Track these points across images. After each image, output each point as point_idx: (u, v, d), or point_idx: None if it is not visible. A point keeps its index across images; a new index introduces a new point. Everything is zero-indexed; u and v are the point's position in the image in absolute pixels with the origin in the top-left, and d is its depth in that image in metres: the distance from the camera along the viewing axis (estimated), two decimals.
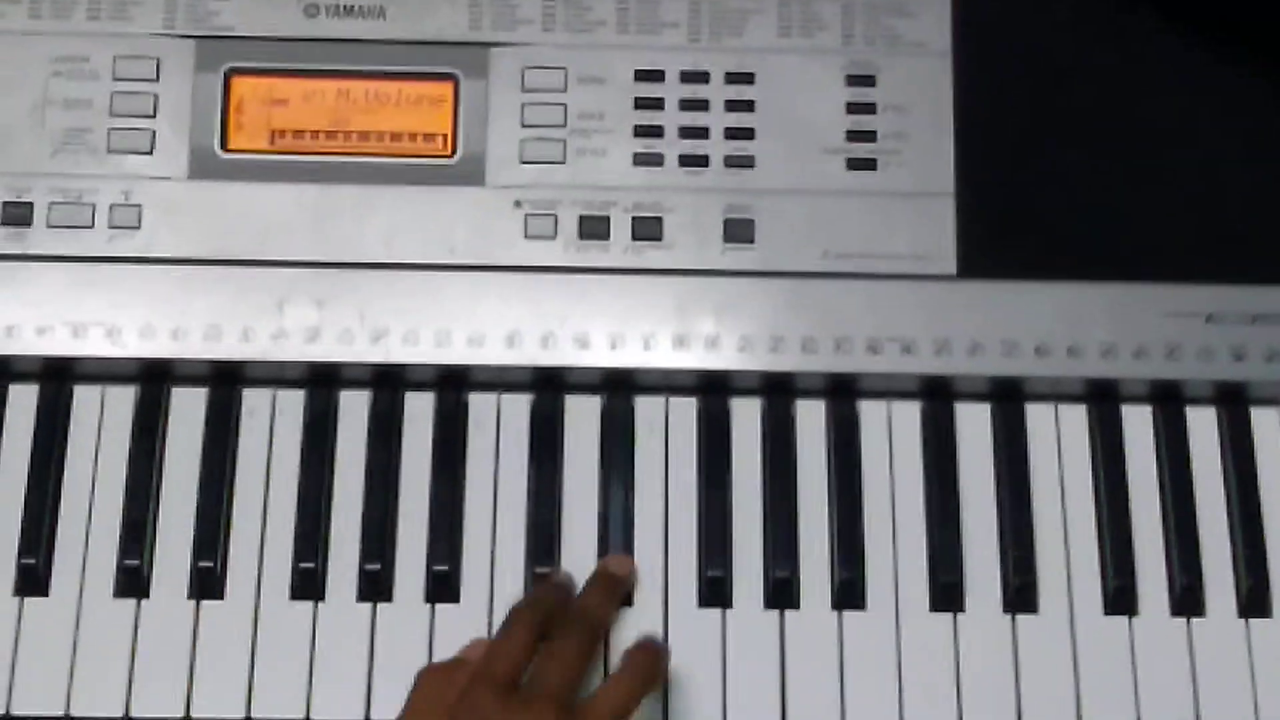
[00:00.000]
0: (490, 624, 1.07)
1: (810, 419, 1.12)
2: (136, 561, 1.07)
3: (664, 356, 1.11)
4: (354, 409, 1.11)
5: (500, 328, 1.11)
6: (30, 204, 1.11)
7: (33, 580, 1.07)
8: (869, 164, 1.14)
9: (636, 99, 1.14)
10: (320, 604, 1.07)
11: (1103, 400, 1.12)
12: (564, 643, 1.01)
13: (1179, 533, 1.09)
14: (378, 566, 1.07)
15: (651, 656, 1.03)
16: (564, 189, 1.13)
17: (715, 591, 1.08)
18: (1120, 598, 1.08)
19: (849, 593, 1.08)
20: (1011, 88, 1.15)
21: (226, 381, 1.11)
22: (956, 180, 1.13)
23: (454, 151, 1.14)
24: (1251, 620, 1.08)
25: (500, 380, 1.12)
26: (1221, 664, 1.07)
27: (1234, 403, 1.12)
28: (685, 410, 1.12)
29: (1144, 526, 1.10)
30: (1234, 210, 1.14)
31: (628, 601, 1.07)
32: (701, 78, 1.15)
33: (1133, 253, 1.13)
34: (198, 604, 1.07)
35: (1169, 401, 1.12)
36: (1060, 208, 1.13)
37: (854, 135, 1.14)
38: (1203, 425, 1.12)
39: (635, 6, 1.15)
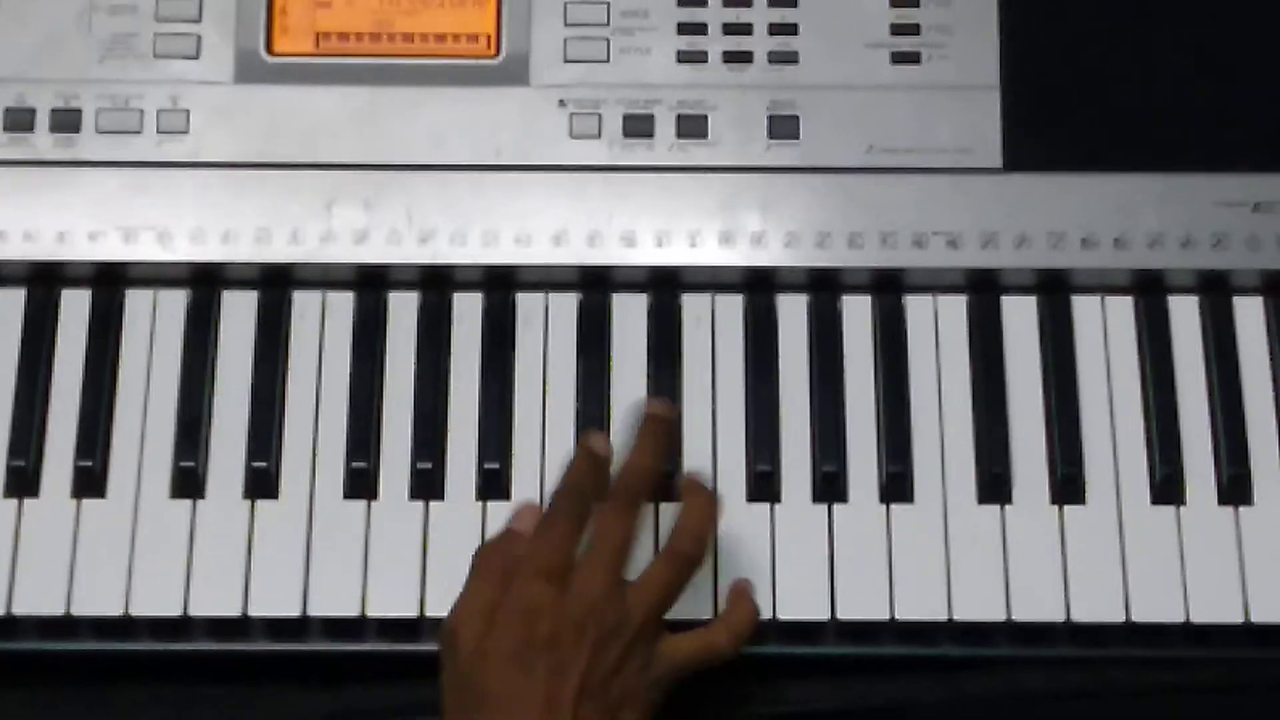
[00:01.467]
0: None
1: (856, 314, 1.12)
2: (192, 463, 1.08)
3: (710, 254, 1.11)
4: (403, 309, 1.12)
5: (547, 227, 1.11)
6: (79, 110, 1.12)
7: (90, 482, 1.08)
8: (913, 58, 1.13)
9: None
10: (374, 503, 1.08)
11: (1149, 291, 1.12)
12: (607, 521, 1.01)
13: (1226, 422, 1.10)
14: (429, 465, 1.08)
15: (694, 535, 1.03)
16: (608, 88, 1.13)
17: (764, 486, 1.08)
18: (1167, 488, 1.08)
19: (897, 486, 1.08)
20: None
21: (276, 284, 1.12)
22: (1001, 73, 1.13)
23: (498, 52, 1.14)
24: None
25: (547, 279, 1.12)
26: (1270, 553, 1.07)
27: None
28: (732, 307, 1.12)
29: (1190, 417, 1.10)
30: None
31: (675, 497, 1.08)
32: None
33: (1179, 142, 1.12)
34: (253, 503, 1.08)
35: (1216, 291, 1.12)
36: (1105, 99, 1.13)
37: (898, 29, 1.14)
38: (1250, 315, 1.12)
39: None
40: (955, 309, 1.12)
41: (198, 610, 1.06)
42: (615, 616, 0.98)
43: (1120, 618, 1.06)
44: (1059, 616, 1.06)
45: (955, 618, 1.06)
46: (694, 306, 1.12)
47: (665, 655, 1.00)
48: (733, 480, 1.09)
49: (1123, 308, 1.12)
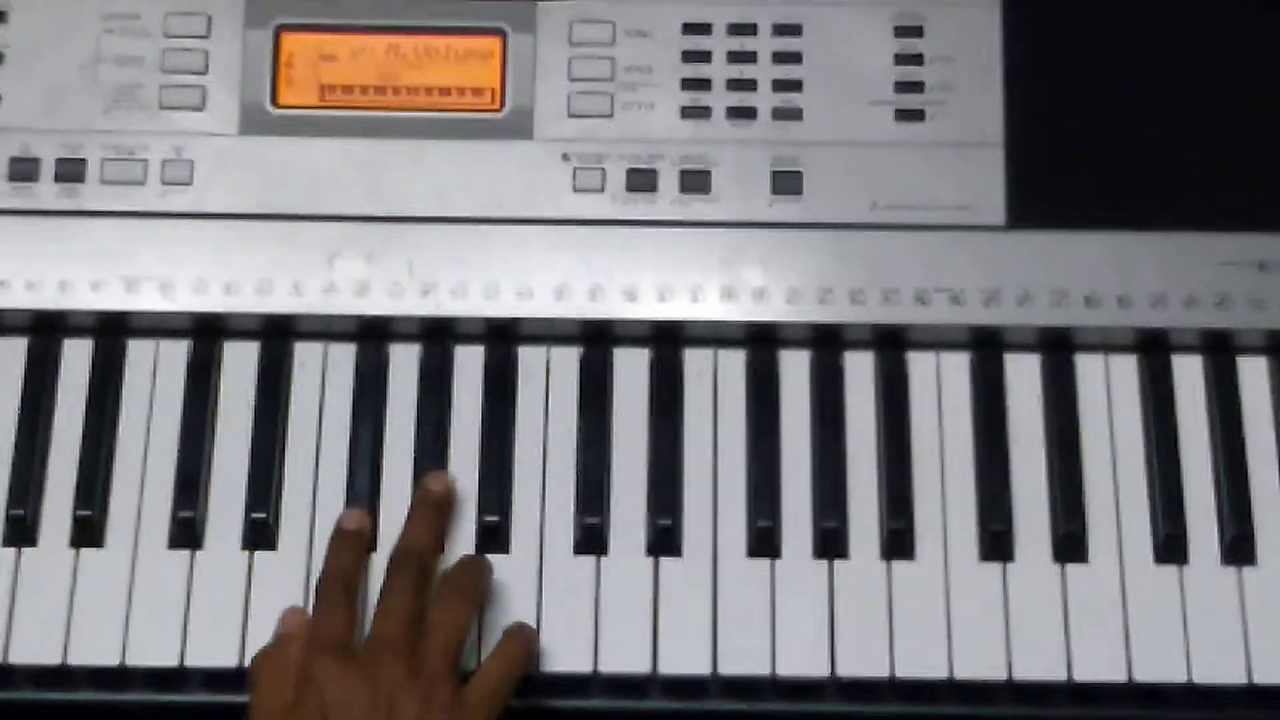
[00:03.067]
0: (540, 574, 1.07)
1: (859, 370, 1.12)
2: (190, 513, 1.08)
3: (712, 308, 1.11)
4: (404, 362, 1.12)
5: (549, 280, 1.11)
6: (84, 160, 1.13)
7: (88, 532, 1.08)
8: (917, 115, 1.14)
9: (684, 52, 1.14)
10: (374, 555, 1.08)
11: (1153, 350, 1.12)
12: (396, 587, 1.02)
13: (1229, 482, 1.09)
14: None
15: (472, 572, 1.04)
16: (612, 142, 1.13)
17: (764, 542, 1.08)
18: (1170, 547, 1.08)
19: (898, 542, 1.08)
20: (1060, 37, 1.15)
21: (278, 335, 1.12)
22: (1005, 130, 1.13)
23: (502, 106, 1.14)
24: None
25: (549, 333, 1.12)
26: (1273, 613, 1.07)
27: None
28: (733, 362, 1.12)
29: (1194, 476, 1.10)
30: None
31: (676, 552, 1.08)
32: (749, 30, 1.15)
33: (1183, 201, 1.12)
34: (251, 554, 1.08)
35: (1220, 351, 1.12)
36: (1109, 157, 1.13)
37: (902, 86, 1.14)
38: (1254, 375, 1.12)
39: None
40: (958, 366, 1.12)
41: (194, 661, 1.06)
42: (404, 672, 0.98)
43: (1122, 677, 1.06)
44: (1061, 676, 1.06)
45: (956, 676, 1.06)
46: (695, 361, 1.12)
47: (471, 693, 1.00)
48: (733, 535, 1.08)
49: (1126, 366, 1.12)
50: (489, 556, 1.07)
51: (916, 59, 1.14)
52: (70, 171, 1.12)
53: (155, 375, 1.12)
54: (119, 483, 1.09)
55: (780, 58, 1.14)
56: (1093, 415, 1.11)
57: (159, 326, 1.12)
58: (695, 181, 1.13)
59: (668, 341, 1.12)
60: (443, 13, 1.15)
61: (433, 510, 1.07)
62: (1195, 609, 1.07)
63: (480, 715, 1.00)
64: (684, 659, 1.05)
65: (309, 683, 0.99)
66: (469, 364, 1.12)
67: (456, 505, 1.08)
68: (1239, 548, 1.08)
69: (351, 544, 1.06)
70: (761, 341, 1.12)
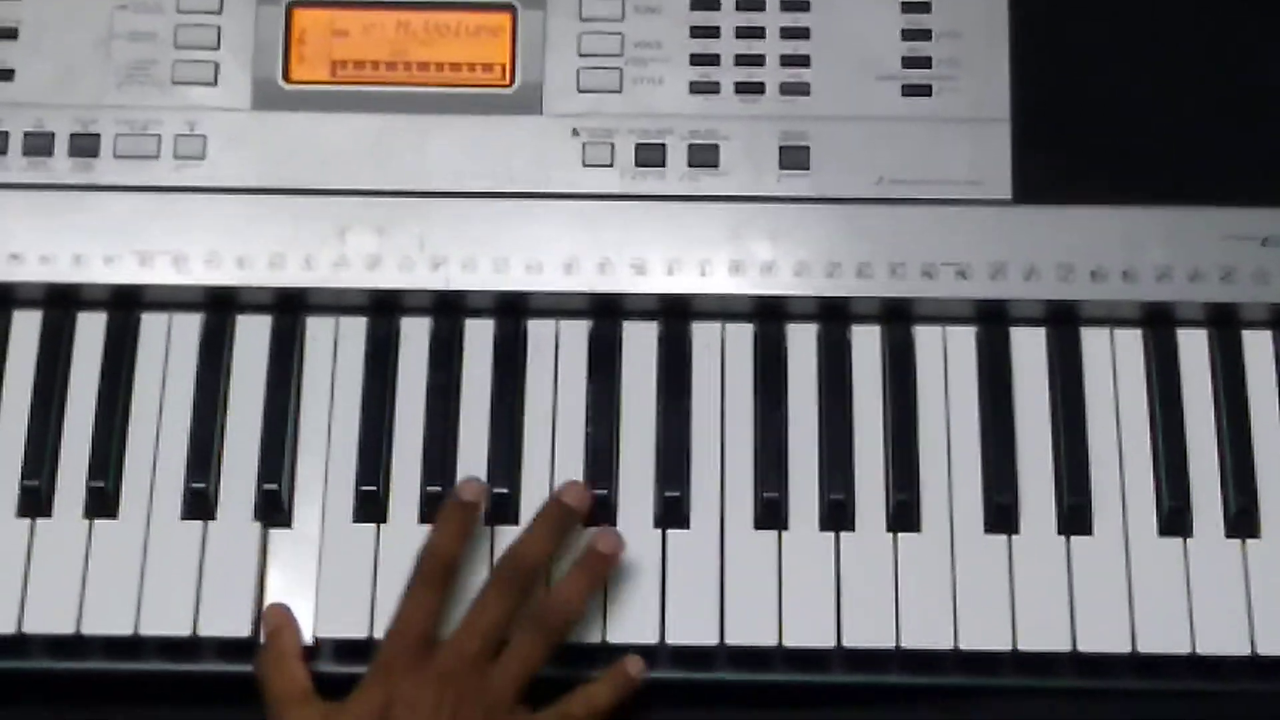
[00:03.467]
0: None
1: (865, 344, 1.13)
2: (203, 484, 1.09)
3: (720, 282, 1.12)
4: (415, 335, 1.13)
5: (558, 254, 1.12)
6: (97, 135, 1.13)
7: (102, 503, 1.09)
8: (924, 90, 1.14)
9: (693, 27, 1.15)
10: (384, 526, 1.09)
11: (1158, 324, 1.13)
12: (488, 599, 1.03)
13: (1233, 456, 1.10)
14: (439, 489, 1.09)
15: (563, 614, 1.04)
16: (621, 117, 1.14)
17: (771, 514, 1.09)
18: (1174, 519, 1.09)
19: (904, 515, 1.09)
20: (1067, 12, 1.15)
21: (290, 309, 1.13)
22: (1012, 105, 1.14)
23: (512, 81, 1.15)
24: None
25: (558, 306, 1.13)
26: (1277, 585, 1.07)
27: None
28: (741, 336, 1.13)
29: (1198, 449, 1.10)
30: None
31: (684, 524, 1.09)
32: (757, 5, 1.15)
33: (1188, 176, 1.13)
34: (264, 526, 1.09)
35: (1224, 325, 1.13)
36: (1115, 132, 1.13)
37: (909, 61, 1.15)
38: (1258, 348, 1.12)
39: None
40: (964, 340, 1.13)
41: (207, 631, 1.07)
42: (470, 691, 1.00)
43: (1126, 649, 1.06)
44: (1065, 647, 1.06)
45: (961, 647, 1.06)
46: (704, 335, 1.13)
47: None
48: (740, 507, 1.09)
49: (1131, 340, 1.13)
50: (500, 527, 1.08)
51: (924, 34, 1.15)
52: (84, 146, 1.13)
53: (168, 348, 1.13)
54: (132, 454, 1.10)
55: (788, 33, 1.15)
56: (1098, 389, 1.12)
57: (172, 300, 1.13)
58: (704, 156, 1.13)
59: (676, 315, 1.13)
60: None
61: (557, 522, 1.06)
62: (1199, 581, 1.07)
63: None
64: (691, 629, 1.06)
65: (385, 670, 1.00)
66: (479, 337, 1.13)
67: (588, 513, 1.08)
68: (1243, 520, 1.09)
69: (463, 519, 1.05)
70: (769, 315, 1.13)
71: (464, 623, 1.03)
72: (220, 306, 1.13)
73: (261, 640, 1.05)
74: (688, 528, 1.09)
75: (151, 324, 1.13)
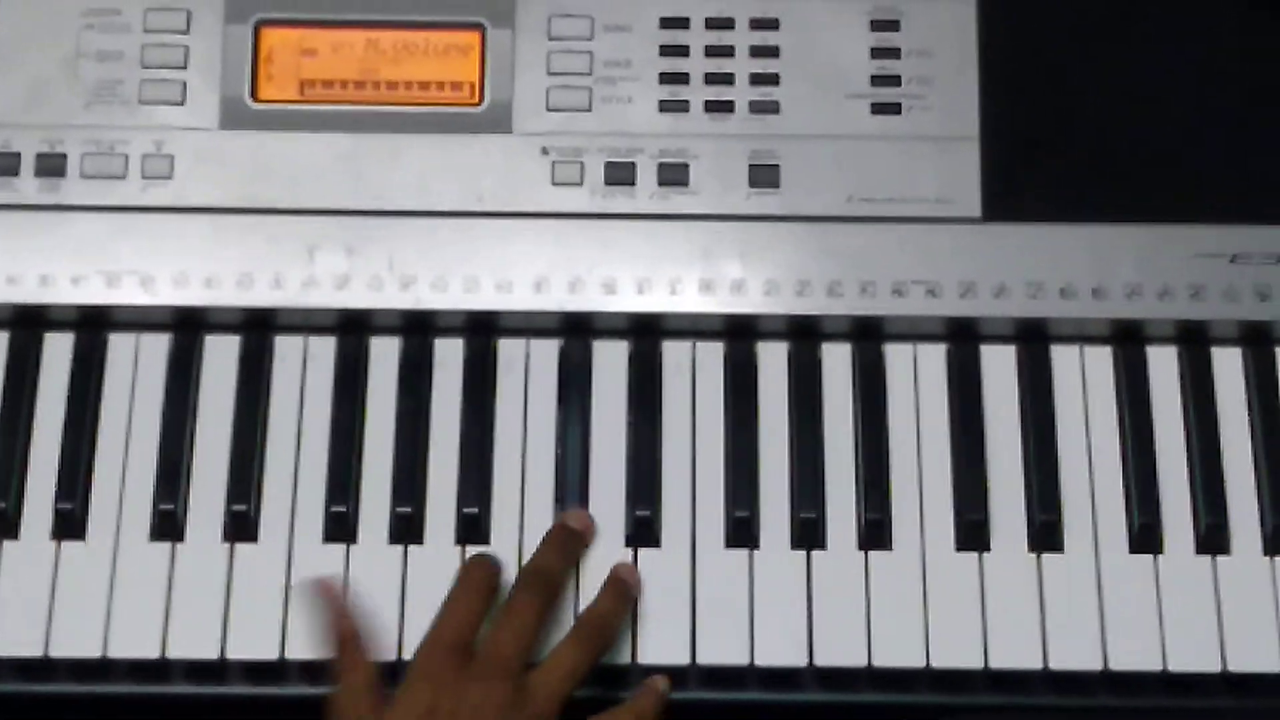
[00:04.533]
0: (519, 565, 1.07)
1: (836, 362, 1.13)
2: (171, 505, 1.08)
3: (690, 301, 1.12)
4: (384, 355, 1.13)
5: (528, 273, 1.12)
6: (64, 155, 1.13)
7: (69, 525, 1.08)
8: (894, 108, 1.14)
9: (662, 46, 1.15)
10: (353, 546, 1.08)
11: (1128, 341, 1.13)
12: (516, 604, 1.03)
13: (1203, 472, 1.10)
14: (409, 509, 1.09)
15: (604, 622, 1.04)
16: (590, 136, 1.14)
17: (742, 532, 1.09)
18: (1145, 536, 1.09)
19: (875, 533, 1.09)
20: (1036, 31, 1.15)
21: (259, 328, 1.13)
22: (981, 123, 1.14)
23: (481, 100, 1.15)
24: (1277, 558, 1.09)
25: (528, 325, 1.13)
26: (1246, 602, 1.08)
27: (1259, 343, 1.13)
28: (712, 354, 1.13)
29: (1168, 466, 1.11)
30: (1259, 151, 1.14)
31: (655, 543, 1.08)
32: (727, 24, 1.15)
33: (1158, 194, 1.13)
34: (232, 547, 1.08)
35: (1194, 342, 1.13)
36: (1084, 150, 1.14)
37: (879, 80, 1.15)
38: (1228, 365, 1.13)
39: None
40: (934, 357, 1.13)
41: (176, 653, 1.06)
42: (512, 694, 0.99)
43: (1098, 666, 1.06)
44: (1036, 664, 1.06)
45: (933, 665, 1.06)
46: (674, 353, 1.13)
47: None
48: (711, 526, 1.09)
49: (1101, 357, 1.13)
50: (468, 548, 1.08)
51: (893, 53, 1.15)
52: (51, 166, 1.13)
53: (136, 369, 1.12)
54: (100, 476, 1.10)
55: (758, 51, 1.15)
56: (1068, 406, 1.12)
57: (140, 320, 1.12)
58: (673, 175, 1.13)
59: (646, 334, 1.13)
60: (422, 7, 1.15)
61: (571, 538, 1.07)
62: (1170, 598, 1.08)
63: None
64: (663, 649, 1.06)
65: (418, 674, 1.00)
66: (449, 356, 1.13)
67: (590, 541, 1.08)
68: (1213, 537, 1.09)
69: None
70: (740, 333, 1.13)
71: (495, 625, 1.02)
72: (188, 327, 1.13)
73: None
74: (659, 547, 1.09)
75: (119, 344, 1.13)
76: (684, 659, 1.06)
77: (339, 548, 1.08)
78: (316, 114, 1.14)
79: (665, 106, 1.14)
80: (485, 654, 1.01)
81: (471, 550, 1.08)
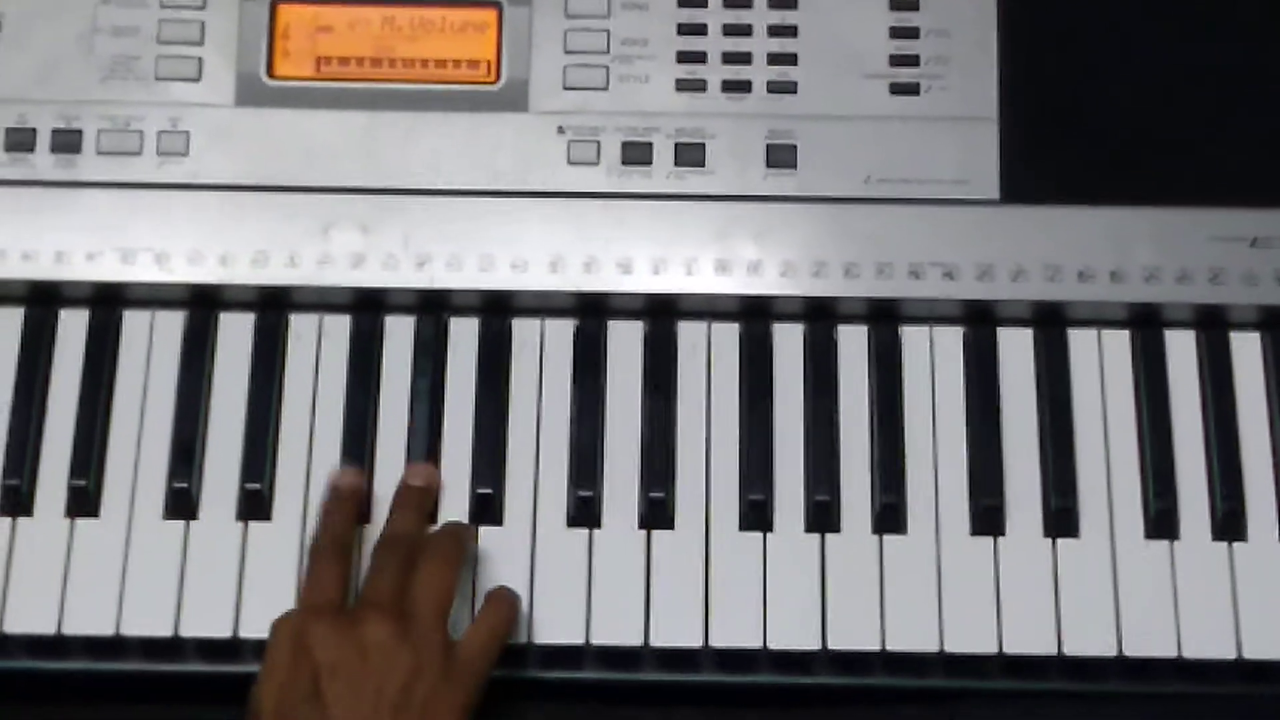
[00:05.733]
0: (533, 545, 1.08)
1: (852, 344, 1.12)
2: (185, 484, 1.08)
3: (706, 282, 1.12)
4: (399, 334, 1.12)
5: (544, 253, 1.12)
6: (79, 131, 1.13)
7: (83, 502, 1.08)
8: (912, 89, 1.14)
9: (679, 25, 1.14)
10: (367, 526, 1.08)
11: (1146, 325, 1.12)
12: (378, 566, 1.02)
13: (1221, 457, 1.09)
14: None
15: (455, 539, 1.04)
16: (607, 115, 1.13)
17: (757, 515, 1.08)
18: (1161, 522, 1.08)
19: (890, 516, 1.08)
20: (1055, 11, 1.15)
21: (273, 306, 1.12)
22: (1000, 104, 1.13)
23: (498, 78, 1.14)
24: None
25: (544, 305, 1.12)
26: (1263, 588, 1.07)
27: (1277, 327, 1.12)
28: (727, 335, 1.13)
29: (1186, 451, 1.10)
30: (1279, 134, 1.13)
31: (669, 525, 1.08)
32: (745, 3, 1.15)
33: (1177, 176, 1.12)
34: (246, 525, 1.08)
35: (1212, 326, 1.12)
36: (1103, 132, 1.13)
37: (897, 60, 1.14)
38: (1246, 350, 1.12)
39: None
40: (951, 340, 1.12)
41: (189, 631, 1.06)
42: (393, 629, 0.99)
43: (1112, 652, 1.06)
44: (1051, 650, 1.06)
45: (947, 649, 1.06)
46: (689, 334, 1.13)
47: (462, 649, 1.01)
48: (726, 508, 1.09)
49: (1119, 341, 1.12)
50: (484, 528, 1.08)
51: (912, 33, 1.14)
52: (66, 142, 1.13)
53: (151, 346, 1.12)
54: (114, 453, 1.10)
55: (775, 31, 1.14)
56: (1085, 390, 1.11)
57: (155, 297, 1.12)
58: (690, 155, 1.13)
59: (662, 314, 1.13)
60: None
61: (415, 499, 1.07)
62: (1186, 584, 1.07)
63: (470, 671, 1.00)
64: (676, 631, 1.06)
65: (301, 646, 0.99)
66: (463, 336, 1.12)
67: (440, 491, 1.08)
68: (1230, 523, 1.08)
69: (345, 504, 1.06)
70: (755, 315, 1.12)
71: (364, 586, 1.02)
72: (203, 304, 1.12)
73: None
74: (672, 529, 1.08)
75: (134, 321, 1.12)
76: (697, 641, 1.06)
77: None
78: (332, 91, 1.14)
79: (682, 86, 1.14)
80: (361, 602, 1.01)
81: (486, 531, 1.08)
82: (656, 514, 1.08)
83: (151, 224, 1.12)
